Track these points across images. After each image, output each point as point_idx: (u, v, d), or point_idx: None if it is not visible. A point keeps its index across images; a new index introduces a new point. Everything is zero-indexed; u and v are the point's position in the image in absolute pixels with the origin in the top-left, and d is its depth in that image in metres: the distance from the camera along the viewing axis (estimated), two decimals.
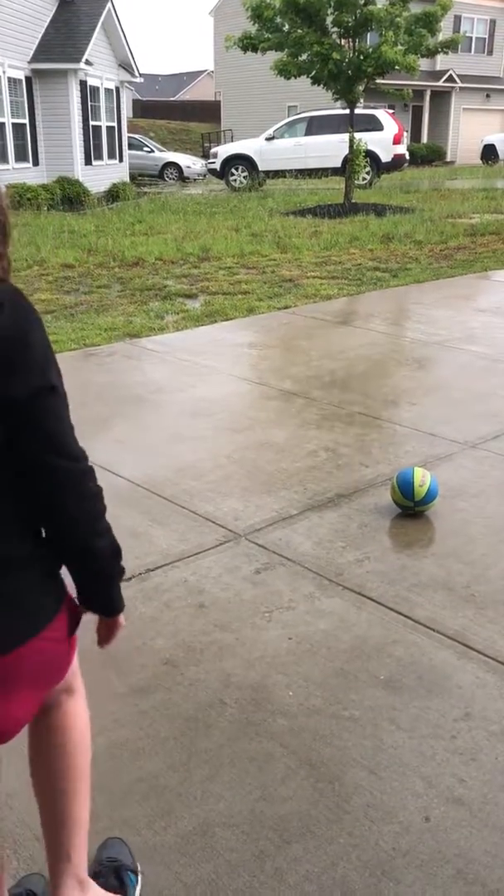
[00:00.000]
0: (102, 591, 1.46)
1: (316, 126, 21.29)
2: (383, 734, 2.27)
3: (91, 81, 19.03)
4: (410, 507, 3.56)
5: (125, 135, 22.37)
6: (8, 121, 17.10)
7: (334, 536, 3.41)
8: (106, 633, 1.54)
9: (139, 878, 1.80)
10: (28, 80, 17.80)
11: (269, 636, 2.72)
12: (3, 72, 16.69)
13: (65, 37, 18.27)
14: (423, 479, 3.52)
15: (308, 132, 21.43)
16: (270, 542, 3.36)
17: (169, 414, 4.91)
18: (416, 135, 35.04)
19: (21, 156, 17.74)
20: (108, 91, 20.33)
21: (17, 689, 1.35)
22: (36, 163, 18.29)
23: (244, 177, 21.75)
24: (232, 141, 28.87)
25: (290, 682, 2.49)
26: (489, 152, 32.67)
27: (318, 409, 5.00)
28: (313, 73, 14.65)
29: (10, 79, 17.01)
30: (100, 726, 2.12)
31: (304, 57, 14.57)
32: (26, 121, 17.91)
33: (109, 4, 19.27)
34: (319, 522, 3.54)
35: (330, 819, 1.99)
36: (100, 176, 19.46)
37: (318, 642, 2.68)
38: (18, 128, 17.61)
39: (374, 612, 2.86)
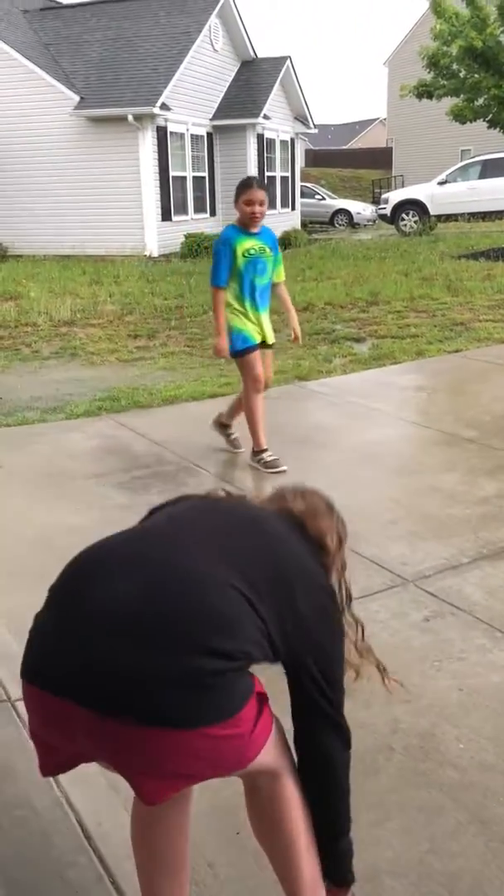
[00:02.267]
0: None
1: (490, 169, 20.94)
2: None
3: (268, 134, 19.81)
4: None
5: (298, 184, 23.03)
6: (190, 174, 18.09)
7: None
8: None
9: None
10: (209, 135, 18.80)
11: (438, 685, 2.67)
12: (188, 129, 17.73)
13: (245, 94, 19.17)
14: None
15: (482, 175, 21.12)
16: (440, 590, 3.30)
17: (336, 455, 4.96)
18: None
19: (200, 207, 18.68)
20: (283, 143, 21.06)
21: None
22: (213, 213, 19.19)
23: (415, 221, 21.72)
24: (403, 186, 28.96)
25: (459, 734, 2.42)
26: None
27: (491, 455, 4.88)
28: (490, 116, 14.52)
29: (192, 135, 18.04)
30: None
31: (480, 101, 14.49)
32: (206, 174, 18.88)
33: (288, 62, 20.05)
34: (493, 572, 3.43)
35: (503, 882, 1.92)
36: (273, 224, 20.03)
37: (491, 696, 2.60)
38: (198, 181, 18.59)
39: None
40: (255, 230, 4.56)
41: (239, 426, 5.03)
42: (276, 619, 1.47)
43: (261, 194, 4.45)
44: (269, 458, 4.72)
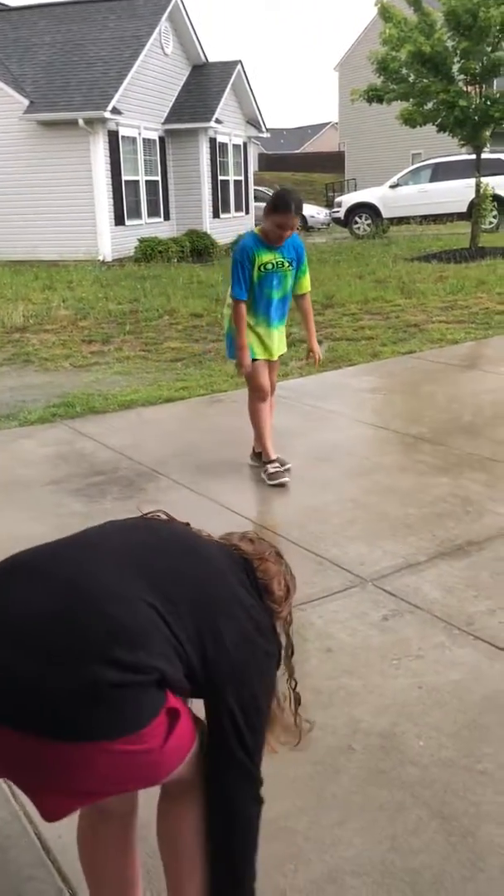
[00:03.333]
0: None
1: (441, 172, 21.24)
2: None
3: (220, 139, 19.82)
4: None
5: (251, 188, 23.08)
6: (143, 179, 18.02)
7: (465, 584, 3.34)
8: None
9: None
10: (161, 139, 18.74)
11: (398, 684, 2.68)
12: (139, 133, 17.65)
13: (197, 98, 19.17)
14: None
15: (433, 178, 21.40)
16: (398, 589, 3.32)
17: (294, 458, 4.97)
18: None
19: (153, 211, 18.61)
20: (235, 147, 21.09)
21: None
22: (167, 217, 19.13)
23: (368, 224, 21.91)
24: (355, 190, 29.21)
25: (420, 732, 2.44)
26: None
27: (446, 454, 4.93)
28: (439, 120, 14.70)
29: (145, 139, 17.97)
30: None
31: (429, 105, 14.66)
32: (159, 178, 18.83)
33: (239, 66, 20.10)
34: (449, 570, 3.47)
35: (465, 877, 1.93)
36: (227, 228, 20.11)
37: (450, 693, 2.62)
38: (151, 185, 18.52)
39: None
40: (277, 245, 4.42)
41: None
42: (195, 640, 1.43)
43: (295, 221, 4.32)
44: (273, 470, 4.58)
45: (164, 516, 1.69)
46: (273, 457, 4.65)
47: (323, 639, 2.97)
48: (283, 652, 1.64)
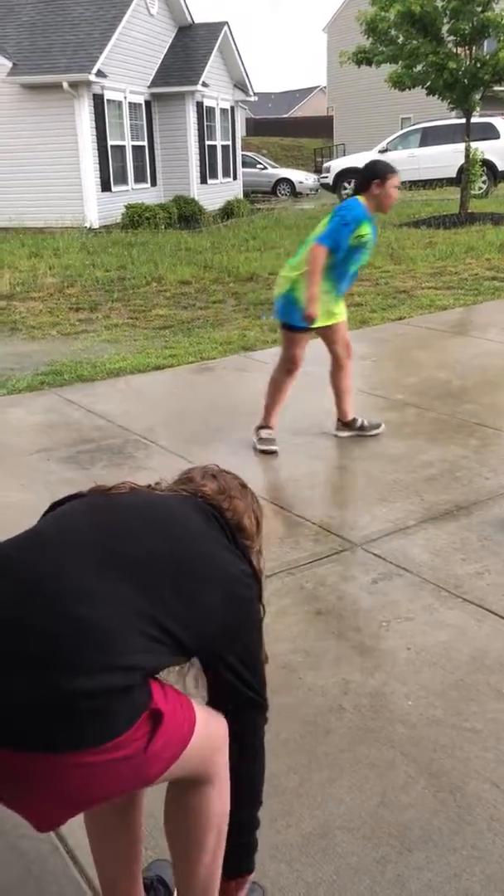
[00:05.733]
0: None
1: (430, 137, 21.03)
2: None
3: (207, 102, 19.50)
4: None
5: (239, 153, 22.77)
6: (128, 143, 17.74)
7: (453, 548, 3.37)
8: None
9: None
10: (147, 103, 18.43)
11: (387, 645, 2.72)
12: (125, 97, 17.35)
13: (183, 61, 18.81)
14: None
15: (422, 143, 21.19)
16: (387, 553, 3.35)
17: (283, 424, 4.97)
18: None
19: (140, 177, 18.35)
20: (223, 111, 20.77)
21: None
22: (154, 183, 18.87)
23: None
24: (345, 155, 28.90)
25: (408, 692, 2.47)
26: None
27: (435, 419, 4.94)
28: (428, 83, 14.51)
29: (130, 104, 17.66)
30: None
31: (419, 68, 14.46)
32: (145, 143, 18.54)
33: (226, 28, 19.72)
34: (437, 534, 3.50)
35: (452, 830, 1.97)
36: (215, 194, 19.88)
37: (438, 654, 2.66)
38: (138, 150, 18.24)
39: (496, 625, 2.80)
40: (384, 213, 4.37)
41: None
42: (182, 620, 1.37)
43: None
44: (265, 436, 4.57)
45: (124, 489, 1.58)
46: (272, 424, 4.63)
47: (313, 602, 3.00)
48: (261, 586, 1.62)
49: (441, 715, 2.36)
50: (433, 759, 2.19)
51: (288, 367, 4.57)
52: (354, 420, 4.73)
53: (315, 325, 4.41)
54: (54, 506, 1.57)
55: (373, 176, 4.24)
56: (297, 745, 2.28)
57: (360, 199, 4.29)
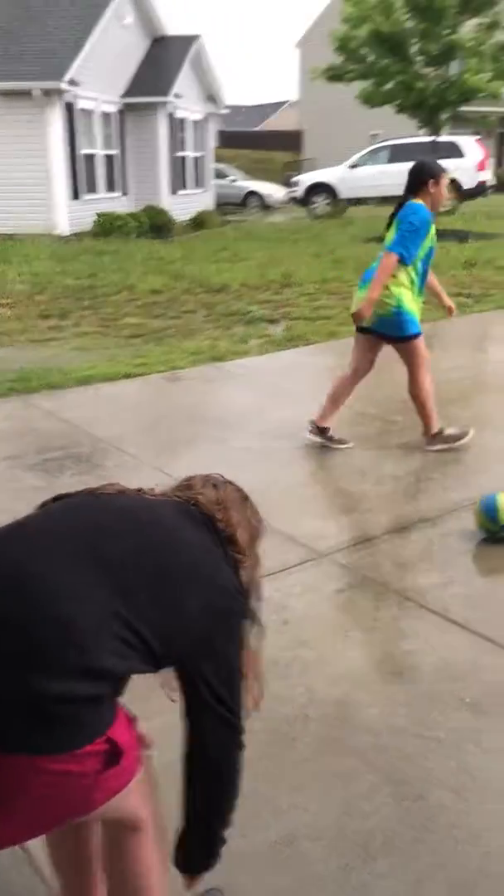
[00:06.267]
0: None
1: (398, 154, 21.26)
2: (468, 756, 2.26)
3: (179, 114, 19.57)
4: (496, 531, 3.52)
5: (210, 165, 22.87)
6: (100, 152, 17.73)
7: (417, 559, 3.41)
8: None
9: None
10: (120, 113, 18.44)
11: (352, 655, 2.74)
12: (97, 106, 17.35)
13: (156, 72, 18.87)
14: None
15: (391, 160, 21.42)
16: (352, 563, 3.38)
17: (252, 435, 4.99)
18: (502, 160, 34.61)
19: (111, 186, 18.34)
20: (194, 122, 20.86)
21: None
22: (125, 192, 18.87)
23: (326, 204, 21.91)
24: (314, 169, 29.15)
25: (373, 701, 2.50)
26: None
27: (401, 432, 5.00)
28: (398, 101, 14.75)
29: (103, 113, 17.67)
30: None
31: (388, 86, 14.70)
32: (117, 152, 18.55)
33: (199, 41, 19.83)
34: (402, 544, 3.54)
35: (415, 838, 2.00)
36: (185, 204, 19.93)
37: (402, 663, 2.69)
38: (109, 159, 18.24)
39: (459, 635, 2.85)
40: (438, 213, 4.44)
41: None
42: (157, 627, 1.36)
43: None
44: (450, 431, 4.62)
45: (112, 490, 1.58)
46: (438, 429, 4.63)
47: (280, 611, 3.01)
48: (253, 601, 1.59)
49: (405, 724, 2.39)
50: (397, 768, 2.22)
51: (427, 367, 4.62)
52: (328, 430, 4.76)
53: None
54: (45, 504, 1.57)
55: (429, 175, 4.33)
56: (263, 753, 2.28)
57: (418, 200, 4.34)
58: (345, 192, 21.65)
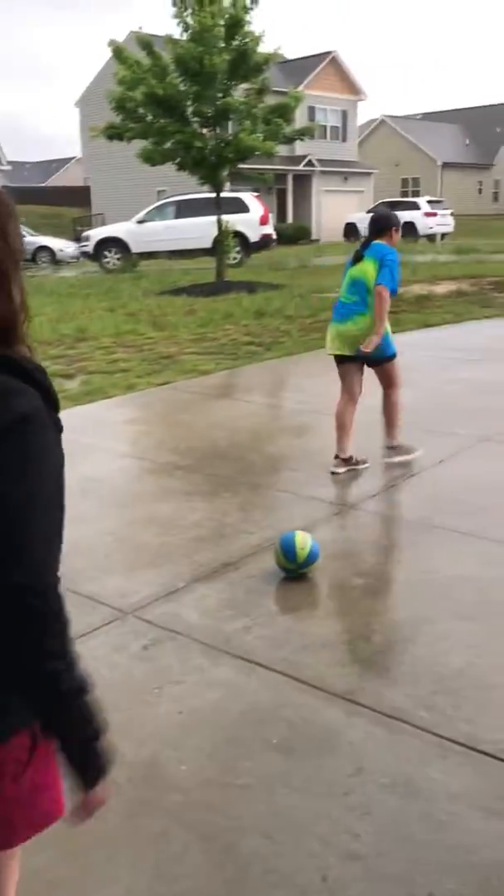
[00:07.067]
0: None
1: (184, 209, 21.96)
2: (277, 797, 2.29)
3: None
4: (294, 569, 3.64)
5: None
6: None
7: (221, 605, 3.45)
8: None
9: None
10: None
11: (159, 712, 2.71)
12: None
13: None
14: (304, 542, 3.62)
15: (177, 215, 22.07)
16: (158, 617, 3.35)
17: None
18: (282, 215, 36.64)
19: None
20: None
21: None
22: None
23: (117, 258, 22.09)
24: (104, 224, 29.36)
25: (181, 756, 2.47)
26: (351, 230, 34.55)
27: (201, 480, 5.07)
28: (178, 160, 15.22)
29: None
30: None
31: (168, 145, 15.15)
32: None
33: None
34: (206, 593, 3.56)
35: (230, 891, 1.98)
36: None
37: (209, 713, 2.69)
38: None
39: (263, 676, 2.89)
40: None
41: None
42: None
43: None
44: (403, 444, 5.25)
45: None
46: (398, 442, 5.26)
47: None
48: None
49: (213, 775, 2.38)
50: (207, 822, 2.20)
51: (400, 385, 5.18)
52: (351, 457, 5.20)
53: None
54: None
55: (394, 224, 5.09)
56: (71, 829, 2.18)
57: (384, 242, 5.02)
58: (136, 247, 21.97)
